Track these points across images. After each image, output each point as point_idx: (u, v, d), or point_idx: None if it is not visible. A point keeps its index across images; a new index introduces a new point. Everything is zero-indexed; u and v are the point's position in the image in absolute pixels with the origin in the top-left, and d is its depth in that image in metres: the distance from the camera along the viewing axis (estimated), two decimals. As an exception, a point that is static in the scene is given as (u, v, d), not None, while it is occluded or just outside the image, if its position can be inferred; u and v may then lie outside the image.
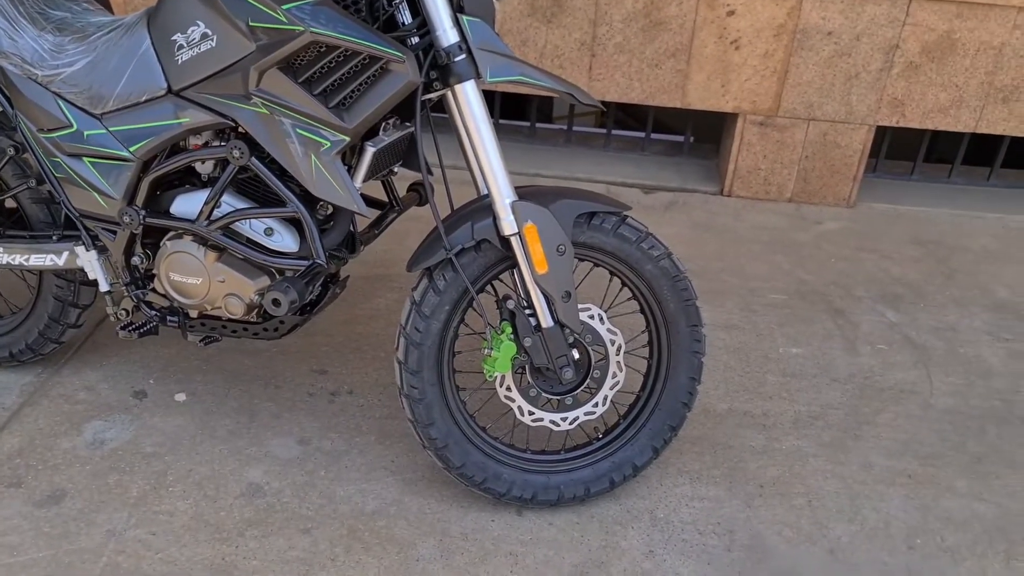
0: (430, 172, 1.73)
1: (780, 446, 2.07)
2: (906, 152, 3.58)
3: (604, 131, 3.56)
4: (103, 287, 1.85)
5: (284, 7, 1.42)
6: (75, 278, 1.97)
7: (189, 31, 1.55)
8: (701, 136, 3.58)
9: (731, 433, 2.10)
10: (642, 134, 3.54)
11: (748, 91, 3.09)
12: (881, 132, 3.36)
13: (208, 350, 2.27)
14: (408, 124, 1.74)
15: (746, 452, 2.05)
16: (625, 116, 4.13)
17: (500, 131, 3.37)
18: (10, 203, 1.99)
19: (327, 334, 2.37)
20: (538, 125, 3.56)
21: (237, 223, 1.68)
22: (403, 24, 1.54)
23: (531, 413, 1.78)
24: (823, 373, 2.35)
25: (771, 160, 3.22)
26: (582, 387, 1.77)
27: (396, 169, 1.81)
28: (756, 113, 3.13)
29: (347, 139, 1.52)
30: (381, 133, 1.66)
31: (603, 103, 3.33)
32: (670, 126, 3.71)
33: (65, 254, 1.85)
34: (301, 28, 1.41)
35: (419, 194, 2.02)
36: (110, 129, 1.67)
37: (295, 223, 1.70)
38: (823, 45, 2.96)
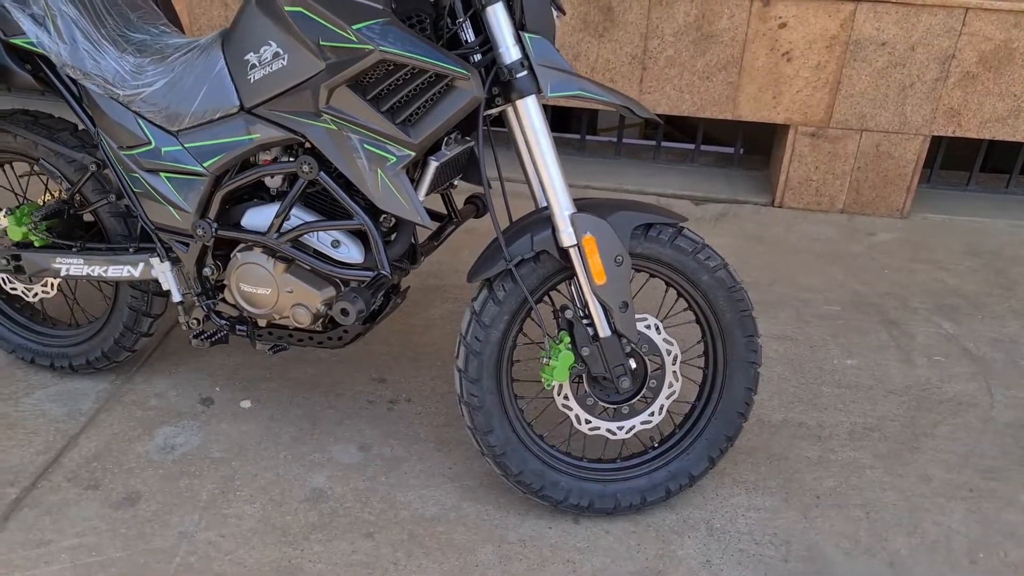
0: (489, 185, 1.78)
1: (836, 457, 2.07)
2: (959, 162, 3.54)
3: (653, 143, 3.58)
4: (175, 297, 1.93)
5: (354, 27, 1.48)
6: (149, 289, 2.05)
7: (261, 51, 1.62)
8: (750, 147, 3.59)
9: (786, 444, 2.11)
10: (691, 146, 3.55)
11: (800, 102, 3.09)
12: (936, 142, 3.32)
13: (271, 359, 2.34)
14: (468, 138, 1.79)
15: (802, 463, 2.05)
16: (672, 128, 4.14)
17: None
18: (88, 217, 2.09)
19: (385, 343, 2.43)
20: (588, 137, 3.60)
21: (305, 235, 1.74)
22: (466, 42, 1.59)
23: (588, 422, 1.81)
24: (879, 385, 2.33)
25: (823, 171, 3.21)
26: (638, 396, 1.79)
27: (456, 182, 1.86)
28: (808, 124, 3.12)
29: (413, 154, 1.57)
30: (443, 147, 1.71)
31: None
32: (718, 138, 3.72)
33: (141, 265, 1.94)
34: (371, 47, 1.47)
35: (476, 206, 2.06)
36: (185, 146, 1.75)
37: (360, 235, 1.76)
38: (877, 56, 2.95)
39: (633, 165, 3.52)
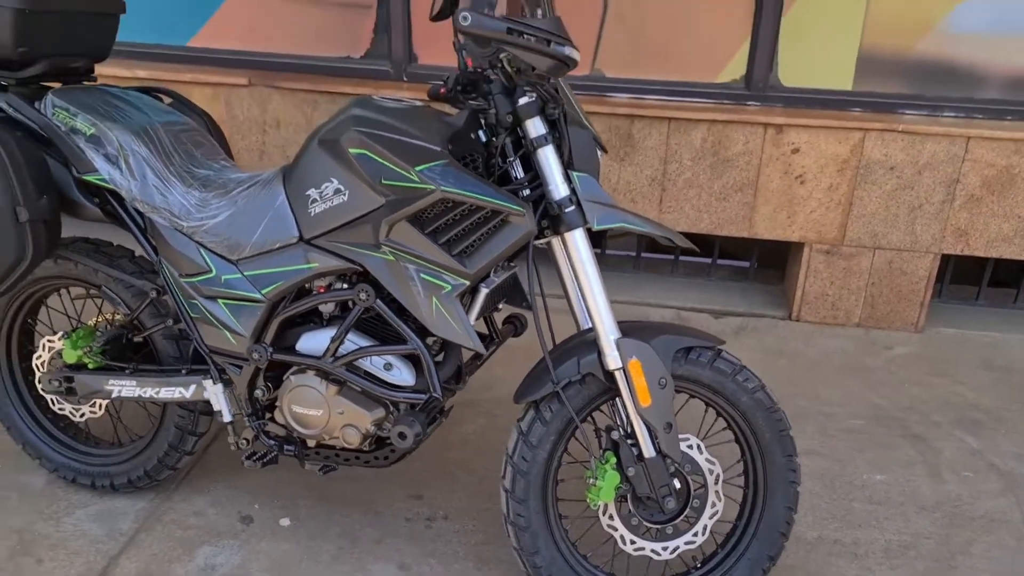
0: (528, 307, 1.86)
1: (875, 576, 2.07)
2: (965, 274, 3.65)
3: (671, 258, 3.70)
4: (226, 417, 1.98)
5: (417, 168, 1.60)
6: (196, 408, 2.10)
7: (323, 187, 1.73)
8: (764, 262, 3.70)
9: (823, 562, 2.11)
10: (708, 260, 3.67)
11: (814, 222, 3.22)
12: (945, 259, 3.44)
13: (309, 477, 2.36)
14: (512, 264, 1.89)
15: (841, 583, 2.05)
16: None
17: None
18: (138, 339, 2.16)
19: (421, 459, 2.46)
20: (607, 252, 3.72)
21: (359, 359, 1.81)
22: (516, 178, 1.71)
23: (633, 542, 1.83)
24: (910, 501, 2.35)
25: (838, 286, 3.31)
26: (682, 516, 1.82)
27: (500, 305, 1.94)
28: (822, 242, 3.25)
29: (467, 283, 1.66)
30: (492, 275, 1.80)
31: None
32: (731, 252, 3.84)
33: (192, 387, 2.00)
34: (432, 187, 1.58)
35: (515, 326, 2.14)
36: (245, 274, 1.84)
37: (410, 358, 1.83)
38: (886, 179, 3.11)
39: (651, 279, 3.62)
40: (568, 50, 1.42)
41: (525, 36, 1.38)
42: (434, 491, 2.33)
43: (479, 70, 1.71)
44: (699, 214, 3.28)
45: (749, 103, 3.24)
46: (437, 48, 3.39)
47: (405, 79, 3.40)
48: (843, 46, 3.14)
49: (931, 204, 3.12)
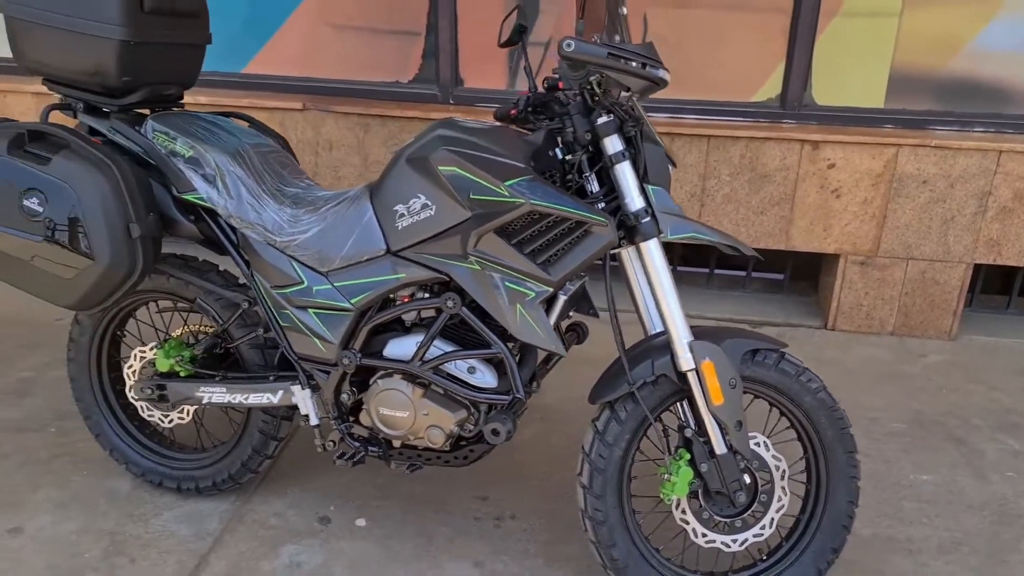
0: (595, 315, 1.98)
1: (930, 571, 2.16)
2: (992, 284, 3.75)
3: (707, 271, 3.81)
4: (313, 421, 2.09)
5: (506, 183, 1.72)
6: (278, 414, 2.22)
7: (410, 202, 1.86)
8: (796, 274, 3.81)
9: (879, 558, 2.21)
10: (743, 273, 3.79)
11: (849, 234, 3.34)
12: (976, 269, 3.55)
13: (378, 480, 2.47)
14: (583, 275, 2.00)
15: (897, 576, 2.15)
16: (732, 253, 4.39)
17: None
18: (220, 350, 2.28)
19: (483, 462, 2.56)
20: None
21: (445, 363, 1.92)
22: (591, 193, 1.83)
23: (704, 535, 1.93)
24: (957, 500, 2.45)
25: (872, 296, 3.42)
26: (750, 510, 1.92)
27: (571, 313, 2.06)
28: (857, 254, 3.36)
29: (550, 290, 1.78)
30: (568, 283, 1.92)
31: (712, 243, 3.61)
32: (764, 265, 3.95)
33: (280, 392, 2.11)
34: (522, 200, 1.70)
35: (577, 334, 2.25)
36: (335, 284, 1.97)
37: (491, 361, 1.95)
38: (919, 192, 3.22)
39: (689, 292, 3.74)
40: (661, 72, 1.54)
41: (623, 60, 1.51)
42: (499, 493, 2.44)
43: (561, 91, 1.83)
44: (737, 228, 3.40)
45: (784, 121, 3.37)
46: (482, 72, 3.53)
47: (452, 102, 3.54)
48: (875, 65, 3.28)
49: (963, 216, 3.24)
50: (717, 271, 3.82)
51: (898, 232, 3.30)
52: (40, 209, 1.82)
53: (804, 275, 3.83)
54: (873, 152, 3.20)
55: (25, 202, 1.82)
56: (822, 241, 3.37)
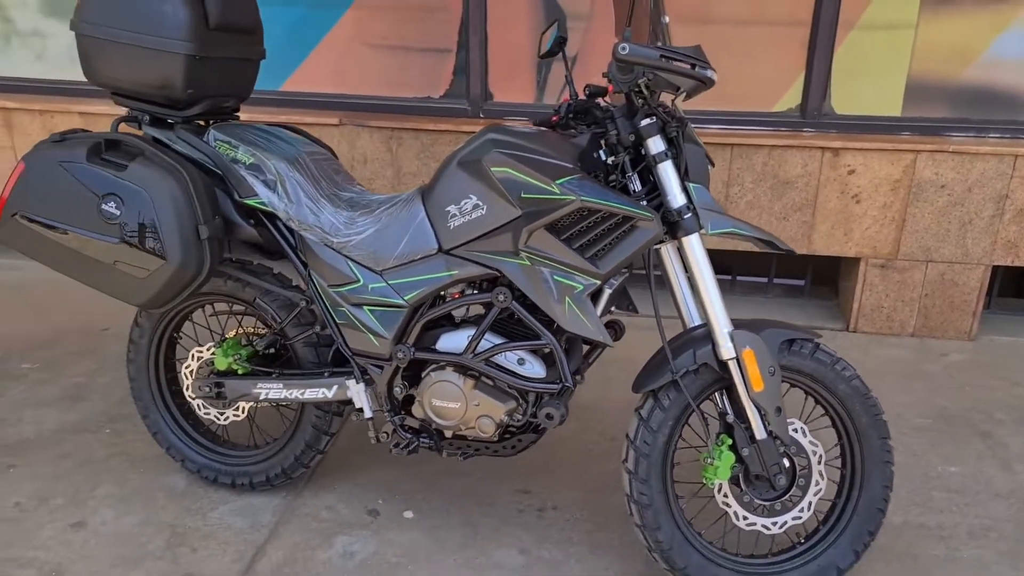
0: (635, 311, 2.07)
1: (962, 555, 2.24)
2: (1014, 286, 3.84)
3: (729, 277, 3.91)
4: (367, 414, 2.19)
5: (557, 182, 1.83)
6: (331, 409, 2.32)
7: (462, 203, 1.97)
8: (815, 280, 3.90)
9: (912, 543, 2.28)
10: (764, 279, 3.88)
11: (869, 238, 3.43)
12: (994, 271, 3.64)
13: (423, 474, 2.56)
14: (625, 271, 2.10)
15: (930, 561, 2.22)
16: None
17: (633, 279, 3.75)
18: (271, 350, 2.38)
19: (522, 458, 2.65)
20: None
21: (495, 355, 2.02)
22: (634, 191, 1.93)
23: (745, 518, 2.01)
24: (985, 489, 2.52)
25: (893, 298, 3.51)
26: (789, 494, 2.01)
27: (613, 308, 2.15)
28: (877, 257, 3.46)
29: (597, 283, 1.88)
30: (612, 278, 2.02)
31: (734, 250, 3.71)
32: (782, 272, 4.05)
33: (335, 387, 2.21)
34: (572, 197, 1.81)
35: (615, 330, 2.35)
36: (389, 282, 2.07)
37: (538, 353, 2.04)
38: (937, 196, 3.32)
39: (712, 298, 3.83)
40: (709, 72, 1.65)
41: (674, 61, 1.62)
42: (539, 485, 2.52)
43: (601, 99, 1.95)
44: (760, 234, 3.50)
45: (805, 130, 3.48)
46: (511, 87, 3.66)
47: (481, 116, 3.66)
48: (892, 75, 3.39)
49: (981, 219, 3.33)
50: (739, 278, 3.92)
51: (917, 235, 3.40)
52: (117, 212, 1.94)
53: (824, 280, 3.92)
54: (892, 158, 3.30)
55: (104, 206, 1.94)
56: (843, 245, 3.47)
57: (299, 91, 3.79)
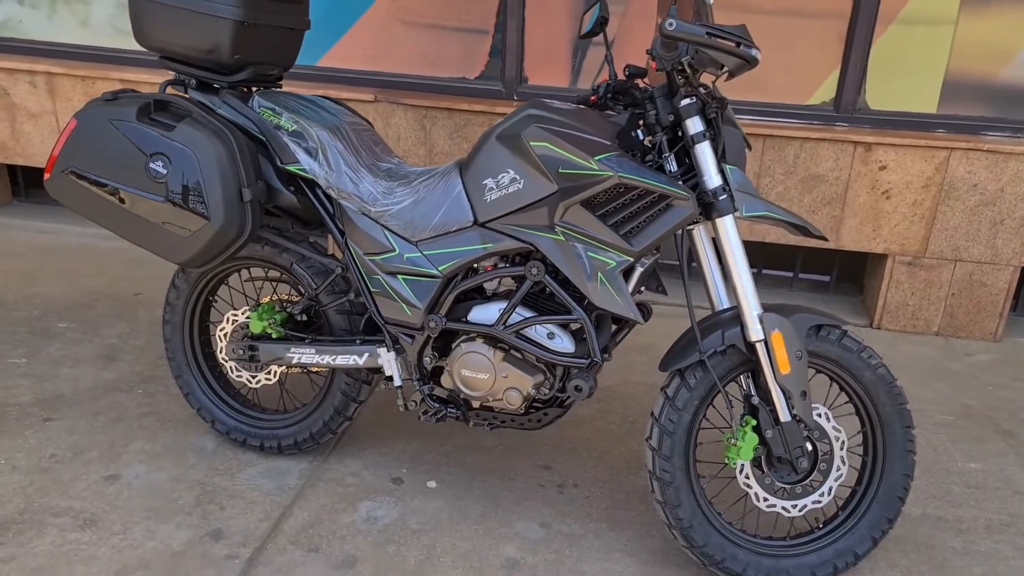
0: (664, 292, 2.10)
1: (979, 548, 2.25)
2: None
3: (755, 270, 3.92)
4: (397, 382, 2.23)
5: (596, 158, 1.85)
6: (361, 377, 2.36)
7: (499, 177, 2.00)
8: (841, 276, 3.90)
9: (930, 535, 2.30)
10: (790, 273, 3.89)
11: (897, 235, 3.43)
12: (1023, 273, 3.62)
13: (447, 447, 2.61)
14: (656, 252, 2.13)
15: (947, 552, 2.23)
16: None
17: (665, 265, 3.77)
18: (304, 317, 2.43)
19: (544, 435, 2.69)
20: (694, 264, 3.95)
21: (526, 328, 2.06)
22: (670, 172, 1.95)
23: (766, 499, 2.04)
24: (1005, 486, 2.53)
25: (919, 296, 3.51)
26: (810, 478, 2.03)
27: (642, 289, 2.18)
28: (905, 254, 3.45)
29: (631, 259, 1.91)
30: (644, 257, 2.04)
31: (761, 244, 3.72)
32: (808, 267, 4.05)
33: (366, 355, 2.25)
34: (611, 174, 1.84)
35: (643, 311, 2.37)
36: (424, 253, 2.11)
37: (568, 328, 2.07)
38: (969, 195, 3.31)
39: (737, 289, 3.84)
40: (754, 51, 1.67)
41: (720, 39, 1.64)
42: (561, 463, 2.56)
43: (640, 80, 1.96)
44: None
45: (838, 124, 3.47)
46: (546, 71, 3.68)
47: (515, 98, 3.69)
48: (930, 72, 3.38)
49: (1013, 219, 3.32)
50: (765, 271, 3.92)
51: (947, 234, 3.39)
52: (164, 171, 1.98)
53: (849, 277, 3.92)
54: (925, 155, 3.30)
55: (151, 165, 1.99)
56: (871, 241, 3.47)
57: (336, 67, 3.83)
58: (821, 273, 3.92)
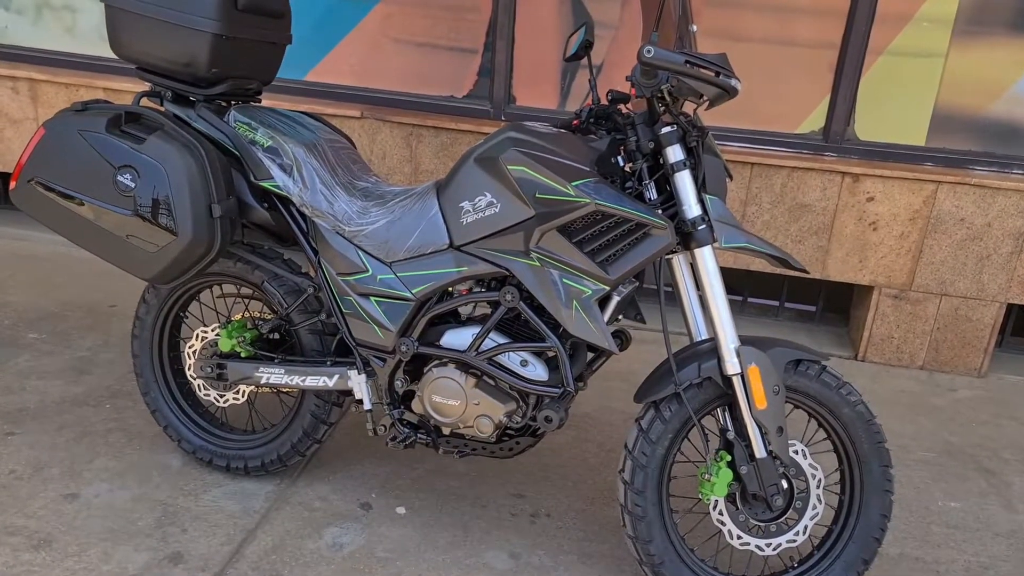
0: (642, 320, 2.05)
1: (957, 591, 2.21)
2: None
3: (740, 298, 3.88)
4: (367, 405, 2.18)
5: (573, 184, 1.82)
6: (330, 399, 2.31)
7: (476, 200, 1.96)
8: (826, 306, 3.87)
9: (907, 576, 2.25)
10: (775, 302, 3.85)
11: (884, 267, 3.40)
12: (1008, 309, 3.60)
13: (418, 471, 2.55)
14: (634, 280, 2.09)
15: (925, 594, 2.19)
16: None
17: (642, 293, 3.73)
18: (275, 335, 2.38)
19: (518, 463, 2.64)
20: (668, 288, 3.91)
21: (499, 355, 2.01)
22: (650, 200, 1.92)
23: (739, 537, 1.99)
24: (985, 528, 2.49)
25: (904, 330, 3.48)
26: (785, 516, 1.98)
27: (620, 317, 2.14)
28: (891, 287, 3.43)
29: (606, 288, 1.87)
30: (621, 286, 2.00)
31: (747, 271, 3.69)
32: (794, 297, 4.02)
33: (336, 376, 2.20)
34: (587, 200, 1.80)
35: (621, 340, 2.33)
36: (398, 275, 2.07)
37: (542, 355, 2.03)
38: (956, 229, 3.29)
39: (721, 317, 3.80)
40: (734, 81, 1.64)
41: (699, 68, 1.61)
42: (534, 491, 2.51)
43: (623, 106, 1.94)
44: (774, 255, 3.48)
45: (826, 154, 3.46)
46: (534, 92, 3.66)
47: (503, 119, 3.66)
48: (919, 105, 3.37)
49: (999, 255, 3.30)
50: (750, 299, 3.89)
51: (933, 267, 3.37)
52: (132, 185, 1.94)
53: (835, 308, 3.88)
54: (913, 188, 3.28)
55: (119, 178, 1.94)
56: (857, 272, 3.44)
57: (323, 82, 3.80)
58: (807, 303, 3.89)
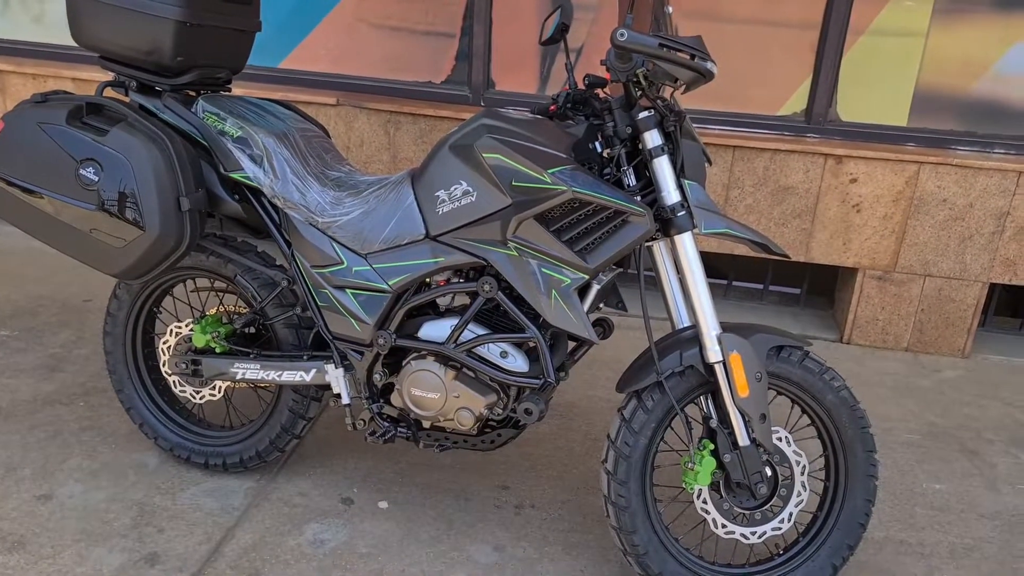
0: (624, 308, 2.02)
1: (941, 574, 2.20)
2: (1010, 305, 3.79)
3: (725, 282, 3.86)
4: (345, 400, 2.14)
5: (549, 171, 1.78)
6: (309, 394, 2.27)
7: (452, 188, 1.92)
8: (811, 289, 3.86)
9: (892, 560, 2.24)
10: (760, 286, 3.83)
11: (868, 249, 3.39)
12: (991, 289, 3.59)
13: (400, 465, 2.52)
14: (616, 268, 2.05)
15: (910, 578, 2.18)
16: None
17: (624, 278, 3.70)
18: (251, 330, 2.33)
19: (502, 454, 2.61)
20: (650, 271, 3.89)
21: (478, 346, 1.97)
22: (628, 186, 1.88)
23: (724, 526, 1.97)
24: (969, 509, 2.48)
25: (888, 311, 3.47)
26: (770, 503, 1.96)
27: (601, 305, 2.10)
28: (875, 268, 3.41)
29: (586, 277, 1.83)
30: (601, 274, 1.97)
31: (731, 256, 3.66)
32: (779, 280, 4.00)
33: (313, 371, 2.16)
34: (564, 188, 1.76)
35: (603, 328, 2.30)
36: (374, 266, 2.02)
37: (522, 346, 2.00)
38: (938, 210, 3.27)
39: (705, 301, 3.78)
40: (709, 64, 1.60)
41: (674, 51, 1.56)
42: (518, 482, 2.48)
43: (600, 90, 1.89)
44: (758, 238, 3.45)
45: (808, 136, 3.43)
46: (513, 76, 3.61)
47: (482, 104, 3.61)
48: (900, 84, 3.34)
49: (981, 235, 3.29)
50: (735, 283, 3.87)
51: (916, 248, 3.35)
52: (95, 179, 1.88)
53: (820, 290, 3.87)
54: (895, 169, 3.25)
55: (81, 171, 1.88)
56: (841, 255, 3.42)
57: (298, 69, 3.73)
58: (792, 286, 3.87)
